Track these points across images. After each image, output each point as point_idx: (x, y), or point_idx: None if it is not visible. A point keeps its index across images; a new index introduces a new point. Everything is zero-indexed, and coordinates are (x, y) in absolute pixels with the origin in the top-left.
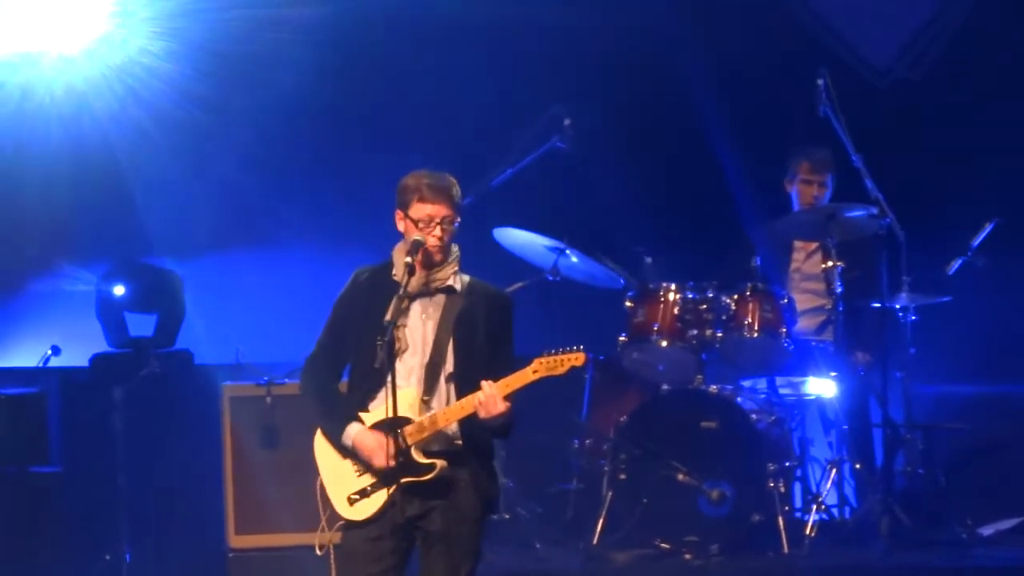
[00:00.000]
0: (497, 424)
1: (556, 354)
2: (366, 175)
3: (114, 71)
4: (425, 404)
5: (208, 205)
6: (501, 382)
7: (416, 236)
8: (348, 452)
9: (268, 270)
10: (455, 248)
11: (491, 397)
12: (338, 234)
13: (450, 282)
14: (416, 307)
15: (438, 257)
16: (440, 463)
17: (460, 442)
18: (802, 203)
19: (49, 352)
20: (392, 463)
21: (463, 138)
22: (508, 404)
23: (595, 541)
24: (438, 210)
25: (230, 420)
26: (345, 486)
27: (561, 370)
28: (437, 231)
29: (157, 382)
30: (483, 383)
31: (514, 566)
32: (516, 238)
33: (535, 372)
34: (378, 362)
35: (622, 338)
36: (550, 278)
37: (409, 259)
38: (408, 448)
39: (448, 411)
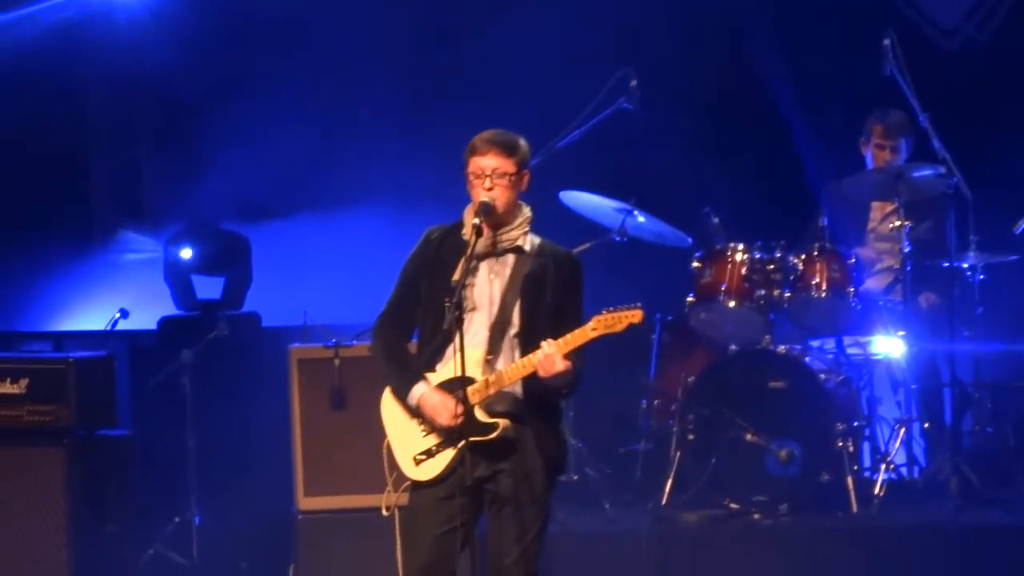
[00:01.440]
0: (559, 384)
1: (614, 311)
2: (438, 137)
3: (185, 30)
4: (489, 364)
5: (276, 168)
6: (560, 340)
7: (483, 197)
8: (414, 412)
9: (336, 232)
10: (526, 209)
11: (550, 356)
12: (408, 196)
13: (519, 242)
14: (484, 267)
15: (500, 211)
16: (503, 422)
17: (524, 401)
18: (875, 166)
19: (117, 315)
20: (454, 422)
21: (531, 100)
22: (568, 363)
23: (664, 502)
24: (489, 162)
25: (298, 383)
26: (411, 446)
27: (619, 327)
28: (487, 183)
29: (225, 345)
30: (543, 342)
31: (583, 527)
32: (583, 200)
33: (593, 330)
34: (446, 322)
35: (690, 299)
36: (617, 239)
37: (477, 220)
38: (471, 407)
39: (510, 369)
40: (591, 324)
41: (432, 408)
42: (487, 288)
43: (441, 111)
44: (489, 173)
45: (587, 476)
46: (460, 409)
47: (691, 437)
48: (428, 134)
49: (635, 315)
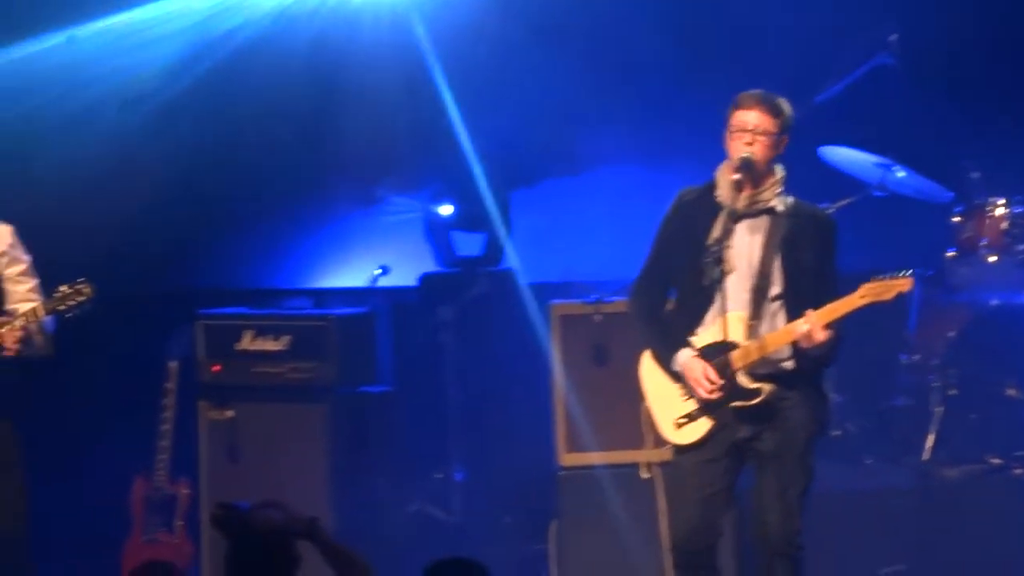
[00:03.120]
0: (819, 353)
1: (884, 279)
2: (697, 94)
3: None
4: (752, 327)
5: (536, 123)
6: (823, 310)
7: (744, 153)
8: (677, 376)
9: (596, 188)
10: (779, 169)
11: (813, 327)
12: (666, 153)
13: (773, 203)
14: (741, 228)
15: (759, 168)
16: (767, 387)
17: (789, 365)
18: None
19: (378, 272)
20: (715, 396)
21: (789, 57)
22: (830, 333)
23: (925, 457)
24: (753, 118)
25: (559, 339)
26: (672, 409)
27: (888, 295)
28: (748, 138)
29: (485, 301)
30: (807, 312)
31: (844, 482)
32: (843, 156)
33: (862, 298)
34: (707, 282)
35: (949, 253)
36: (877, 194)
37: (738, 175)
38: (735, 373)
39: (773, 337)
40: (860, 292)
41: (694, 378)
42: (745, 250)
43: (698, 68)
44: (751, 129)
45: (848, 432)
46: (720, 382)
47: (952, 392)
48: (686, 91)
49: (904, 283)
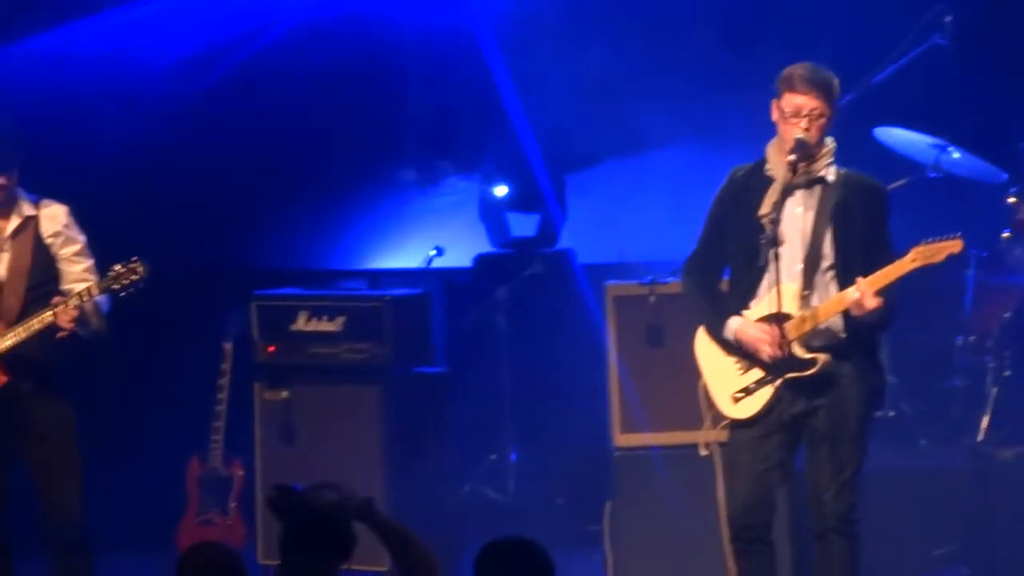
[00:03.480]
0: (872, 320)
1: (934, 242)
2: (749, 73)
3: None
4: (805, 299)
5: (592, 104)
6: (874, 276)
7: (799, 135)
8: (731, 348)
9: (650, 169)
10: (829, 141)
11: (864, 294)
12: (719, 133)
13: (822, 173)
14: (792, 200)
15: (812, 150)
16: (822, 357)
17: (843, 335)
18: None
19: (433, 253)
20: (780, 351)
21: (844, 37)
22: (879, 300)
23: (979, 438)
24: (807, 102)
25: (614, 320)
26: (728, 384)
27: (939, 258)
28: (803, 123)
29: (540, 282)
30: (857, 279)
31: (899, 463)
32: (897, 136)
33: (913, 261)
34: (762, 257)
35: (1005, 234)
36: (932, 175)
37: (793, 157)
38: (789, 343)
39: (825, 306)
40: (910, 255)
41: (752, 339)
42: (796, 221)
43: (753, 49)
44: (807, 114)
45: (903, 412)
46: (782, 337)
47: (1007, 373)
48: (741, 72)
49: (955, 245)
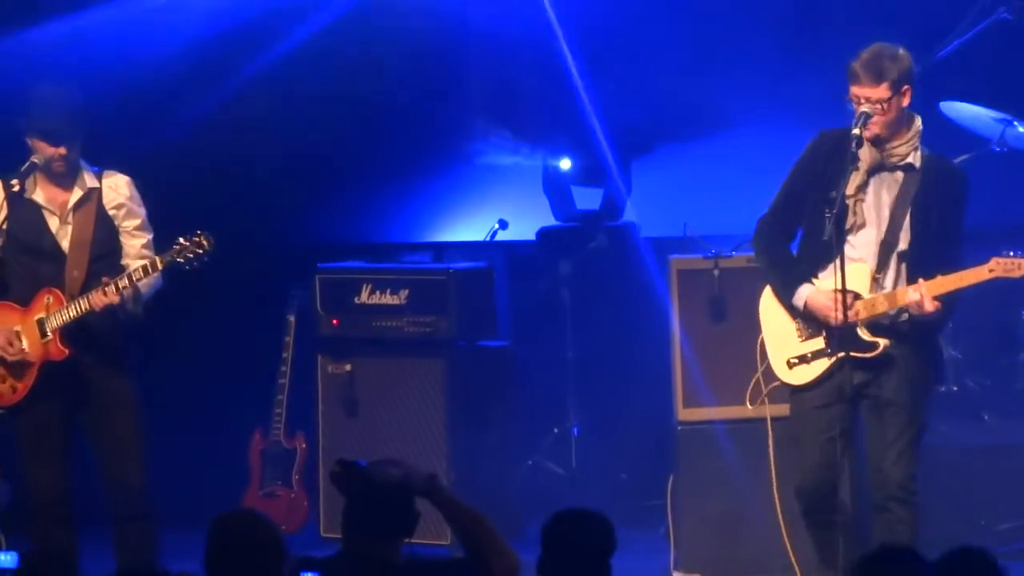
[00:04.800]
0: (930, 319)
1: (1015, 257)
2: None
3: None
4: (876, 282)
5: (656, 78)
6: (935, 281)
7: (863, 107)
8: (796, 312)
9: (716, 144)
10: (915, 122)
11: (923, 298)
12: (787, 110)
13: (909, 159)
14: (875, 182)
15: (878, 132)
16: (884, 342)
17: (905, 320)
18: None
19: (496, 226)
20: (844, 324)
21: (911, 11)
22: (938, 305)
23: None
24: (864, 92)
25: (678, 293)
26: (786, 348)
27: (1017, 274)
28: (866, 108)
29: (604, 256)
30: (919, 281)
31: (962, 438)
32: (963, 111)
33: (991, 271)
34: (826, 235)
35: None
36: (997, 149)
37: (856, 131)
38: (854, 324)
39: (885, 297)
40: (989, 265)
41: (822, 306)
42: (877, 206)
43: (821, 25)
44: (863, 102)
45: (966, 387)
46: (853, 309)
47: None
48: (808, 49)
49: None
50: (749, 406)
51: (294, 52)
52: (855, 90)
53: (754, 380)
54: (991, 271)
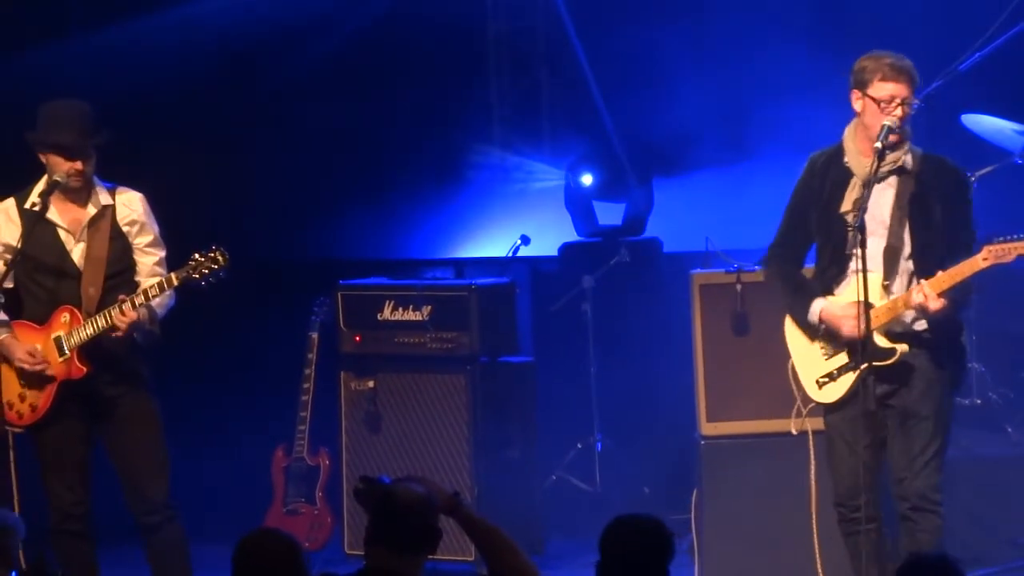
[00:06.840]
0: (939, 317)
1: (1005, 241)
2: (831, 62)
3: None
4: (887, 288)
5: (675, 95)
6: (937, 278)
7: (886, 120)
8: (816, 333)
9: (737, 160)
10: (906, 127)
11: (927, 298)
12: (809, 126)
13: (900, 162)
14: (871, 192)
15: (895, 138)
16: (901, 347)
17: (923, 325)
18: None
19: (519, 242)
20: (859, 331)
21: (932, 24)
22: (942, 302)
23: None
24: (899, 89)
25: (700, 308)
26: (814, 369)
27: (1009, 258)
28: (899, 111)
29: (626, 271)
30: (920, 283)
31: (986, 451)
32: (985, 123)
33: (984, 260)
34: (849, 247)
35: None
36: (1019, 162)
37: (879, 144)
38: (871, 333)
39: (890, 304)
40: (981, 254)
41: (836, 317)
42: (876, 211)
43: (839, 38)
44: (900, 102)
45: (989, 400)
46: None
47: None
48: (821, 62)
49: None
50: (794, 432)
51: (316, 68)
52: (887, 87)
53: (795, 407)
54: (984, 260)
